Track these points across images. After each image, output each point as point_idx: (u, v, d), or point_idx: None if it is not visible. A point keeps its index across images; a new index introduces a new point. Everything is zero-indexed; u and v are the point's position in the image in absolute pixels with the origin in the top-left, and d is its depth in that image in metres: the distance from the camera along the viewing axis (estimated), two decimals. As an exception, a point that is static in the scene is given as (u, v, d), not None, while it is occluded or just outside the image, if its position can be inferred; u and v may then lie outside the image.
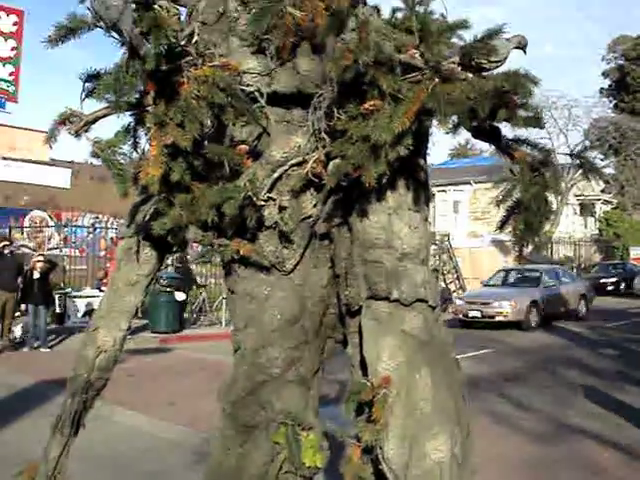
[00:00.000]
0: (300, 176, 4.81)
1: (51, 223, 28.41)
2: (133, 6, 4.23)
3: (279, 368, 4.88)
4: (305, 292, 5.03)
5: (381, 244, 4.91)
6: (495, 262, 39.39)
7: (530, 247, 5.11)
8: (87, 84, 4.51)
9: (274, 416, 4.86)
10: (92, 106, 4.56)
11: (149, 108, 4.38)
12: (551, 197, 4.83)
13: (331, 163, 4.69)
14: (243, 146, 4.68)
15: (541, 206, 4.72)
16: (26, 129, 27.78)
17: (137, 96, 4.39)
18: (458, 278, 41.05)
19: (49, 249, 27.32)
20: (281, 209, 4.83)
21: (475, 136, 4.89)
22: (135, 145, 4.57)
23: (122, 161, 4.38)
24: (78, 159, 30.97)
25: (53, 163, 26.95)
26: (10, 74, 20.33)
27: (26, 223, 28.04)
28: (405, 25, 5.66)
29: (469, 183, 49.60)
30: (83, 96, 4.48)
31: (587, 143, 31.91)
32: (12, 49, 20.57)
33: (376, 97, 4.46)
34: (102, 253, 27.67)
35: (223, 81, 4.35)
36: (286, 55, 4.79)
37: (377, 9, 5.97)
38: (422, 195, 5.11)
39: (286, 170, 4.86)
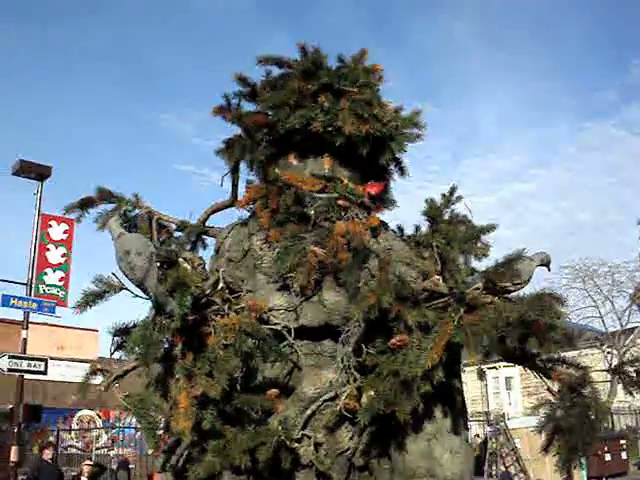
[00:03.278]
0: (334, 412, 4.71)
1: (99, 422, 28.31)
2: (157, 264, 4.43)
3: None
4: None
5: (422, 473, 4.75)
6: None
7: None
8: (116, 337, 4.61)
9: None
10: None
11: (177, 359, 4.43)
12: (594, 416, 4.64)
13: (363, 399, 4.61)
14: (274, 390, 4.66)
15: (584, 427, 4.54)
16: (75, 328, 28.30)
17: (165, 346, 4.48)
18: (517, 460, 39.13)
19: (97, 448, 27.06)
20: (316, 446, 4.71)
21: (507, 359, 4.79)
22: (165, 395, 4.56)
23: (152, 414, 4.37)
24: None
25: (101, 361, 27.27)
26: (60, 279, 21.08)
27: (74, 423, 27.97)
28: (428, 241, 5.78)
29: (519, 357, 48.36)
30: (113, 349, 4.55)
31: (634, 308, 31.40)
32: (62, 255, 21.54)
33: (403, 331, 4.47)
34: (150, 451, 27.23)
35: (250, 327, 4.43)
36: (310, 292, 4.88)
37: (400, 229, 6.09)
38: (460, 417, 4.96)
39: (319, 406, 4.78)
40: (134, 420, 27.26)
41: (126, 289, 4.38)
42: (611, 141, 75.31)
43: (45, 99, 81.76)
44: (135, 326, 4.55)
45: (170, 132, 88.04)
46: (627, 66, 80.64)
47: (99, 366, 4.59)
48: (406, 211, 6.28)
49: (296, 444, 4.51)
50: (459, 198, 6.04)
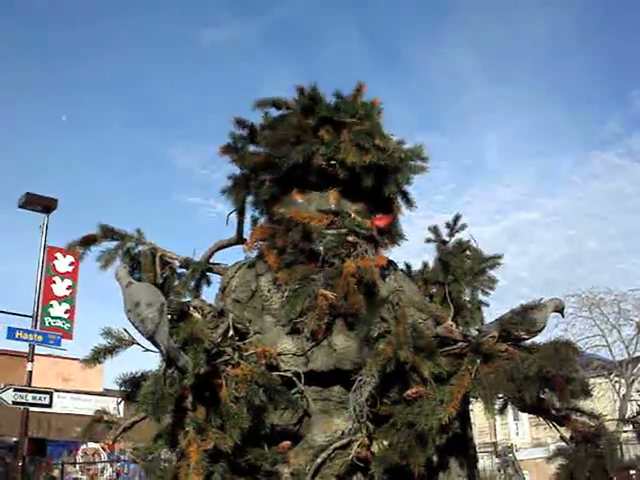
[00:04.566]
0: (345, 461, 4.60)
1: (104, 455, 28.06)
2: (168, 316, 4.36)
3: None
4: None
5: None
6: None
7: None
8: (123, 388, 4.55)
9: None
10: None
11: (188, 411, 4.31)
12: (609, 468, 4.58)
13: (376, 450, 4.54)
14: (286, 443, 4.59)
15: (599, 479, 4.47)
16: (80, 360, 28.14)
17: (175, 400, 4.32)
18: (526, 491, 38.66)
19: (102, 481, 26.84)
20: None
21: (522, 410, 4.74)
22: (174, 446, 4.43)
23: (161, 467, 4.30)
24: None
25: (106, 393, 27.07)
26: (66, 312, 21.04)
27: (79, 455, 27.73)
28: (436, 278, 5.76)
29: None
30: (120, 400, 4.49)
31: None
32: (68, 288, 21.52)
33: (418, 382, 4.42)
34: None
35: (261, 378, 4.36)
36: (321, 336, 4.81)
37: (408, 266, 6.06)
38: (474, 469, 4.91)
39: (329, 454, 4.67)
40: (139, 453, 27.14)
41: (137, 344, 4.32)
42: (615, 170, 75.43)
43: (51, 132, 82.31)
44: (143, 376, 4.48)
45: (176, 164, 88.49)
46: (628, 97, 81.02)
47: (106, 418, 4.52)
48: (412, 242, 6.25)
49: None
50: (463, 227, 6.04)
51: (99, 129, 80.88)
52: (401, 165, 5.59)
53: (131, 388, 4.53)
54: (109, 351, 4.37)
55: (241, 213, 5.98)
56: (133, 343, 4.35)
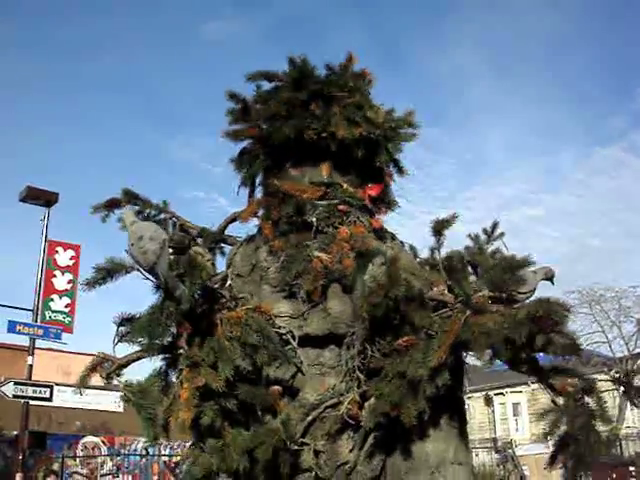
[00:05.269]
0: (335, 418, 4.67)
1: (104, 448, 28.08)
2: (170, 250, 4.45)
3: None
4: None
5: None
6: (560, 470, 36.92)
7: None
8: (121, 328, 4.62)
9: None
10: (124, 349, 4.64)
11: (182, 351, 4.42)
12: (600, 425, 4.61)
13: (367, 403, 4.57)
14: (276, 387, 4.64)
15: (590, 436, 4.50)
16: (80, 354, 28.22)
17: (170, 339, 4.46)
18: (526, 487, 38.63)
19: (102, 475, 26.81)
20: (317, 453, 4.65)
21: (513, 368, 4.76)
22: (166, 389, 4.52)
23: (153, 405, 4.36)
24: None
25: (106, 387, 27.07)
26: (66, 306, 21.05)
27: (79, 449, 27.74)
28: (432, 262, 5.78)
29: (526, 383, 48.08)
30: (116, 340, 4.57)
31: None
32: (69, 282, 21.51)
33: (409, 333, 4.46)
34: (155, 478, 27.02)
35: (256, 323, 4.42)
36: (317, 298, 4.89)
37: (412, 247, 6.08)
38: (465, 447, 4.92)
39: (320, 413, 4.75)
40: (139, 447, 27.16)
41: (137, 270, 4.36)
42: (619, 166, 75.34)
43: (53, 127, 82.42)
44: (141, 316, 4.55)
45: (178, 158, 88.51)
46: (633, 93, 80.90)
47: (102, 357, 4.58)
48: (415, 235, 6.24)
49: (297, 447, 4.47)
50: (502, 235, 5.96)
51: (100, 123, 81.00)
52: (392, 134, 5.69)
53: (129, 326, 4.57)
54: (109, 273, 4.42)
55: (253, 184, 6.07)
56: (133, 268, 4.39)
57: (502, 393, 44.13)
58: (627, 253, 67.80)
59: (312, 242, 5.11)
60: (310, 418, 4.71)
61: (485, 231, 6.00)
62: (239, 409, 4.49)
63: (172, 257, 4.55)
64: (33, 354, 19.99)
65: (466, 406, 5.14)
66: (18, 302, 20.69)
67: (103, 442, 28.12)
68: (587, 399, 4.65)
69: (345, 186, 5.52)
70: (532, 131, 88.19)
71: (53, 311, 21.17)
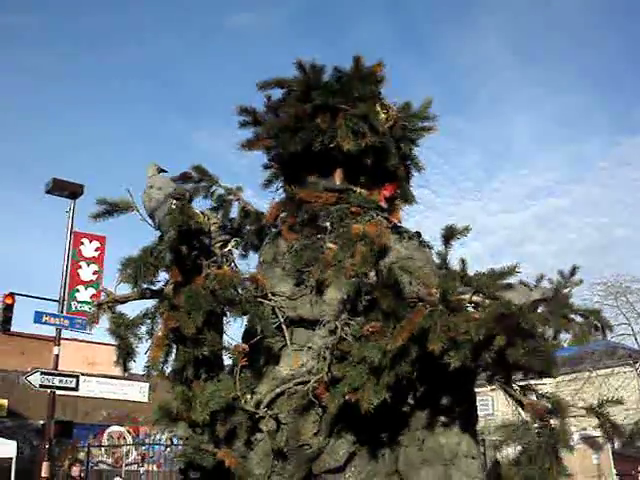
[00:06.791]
0: (303, 395, 4.71)
1: (129, 438, 28.33)
2: (173, 201, 4.81)
3: None
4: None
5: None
6: (587, 462, 36.24)
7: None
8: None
9: None
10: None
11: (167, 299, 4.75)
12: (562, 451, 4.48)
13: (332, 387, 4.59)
14: (243, 345, 4.81)
15: (546, 460, 4.39)
16: (105, 344, 28.45)
17: (161, 285, 4.81)
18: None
19: (127, 464, 27.08)
20: (278, 425, 4.77)
21: (490, 381, 4.73)
22: (151, 333, 4.82)
23: (130, 338, 4.73)
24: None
25: (131, 377, 27.31)
26: (92, 296, 21.18)
27: (105, 439, 28.01)
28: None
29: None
30: (118, 282, 4.82)
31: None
32: (94, 273, 21.74)
33: (379, 319, 4.47)
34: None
35: (239, 282, 4.76)
36: (326, 287, 5.02)
37: (424, 243, 5.98)
38: (476, 440, 4.91)
39: (289, 388, 4.85)
40: (164, 437, 27.40)
41: (136, 209, 4.81)
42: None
43: (79, 119, 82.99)
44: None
45: (204, 149, 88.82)
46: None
47: (108, 292, 4.95)
48: (439, 226, 6.19)
49: (251, 407, 4.64)
50: (581, 281, 5.67)
51: (126, 113, 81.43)
52: (403, 134, 5.80)
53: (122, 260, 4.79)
54: (111, 207, 4.75)
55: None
56: (132, 209, 4.80)
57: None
58: (653, 244, 66.98)
59: (326, 235, 5.33)
60: (278, 390, 4.84)
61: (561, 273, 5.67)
62: (210, 362, 4.79)
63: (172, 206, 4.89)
64: (59, 344, 20.21)
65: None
66: (44, 293, 20.93)
67: (128, 432, 28.39)
68: (551, 422, 4.55)
69: (358, 191, 5.71)
70: (558, 120, 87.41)
71: (79, 302, 21.40)
